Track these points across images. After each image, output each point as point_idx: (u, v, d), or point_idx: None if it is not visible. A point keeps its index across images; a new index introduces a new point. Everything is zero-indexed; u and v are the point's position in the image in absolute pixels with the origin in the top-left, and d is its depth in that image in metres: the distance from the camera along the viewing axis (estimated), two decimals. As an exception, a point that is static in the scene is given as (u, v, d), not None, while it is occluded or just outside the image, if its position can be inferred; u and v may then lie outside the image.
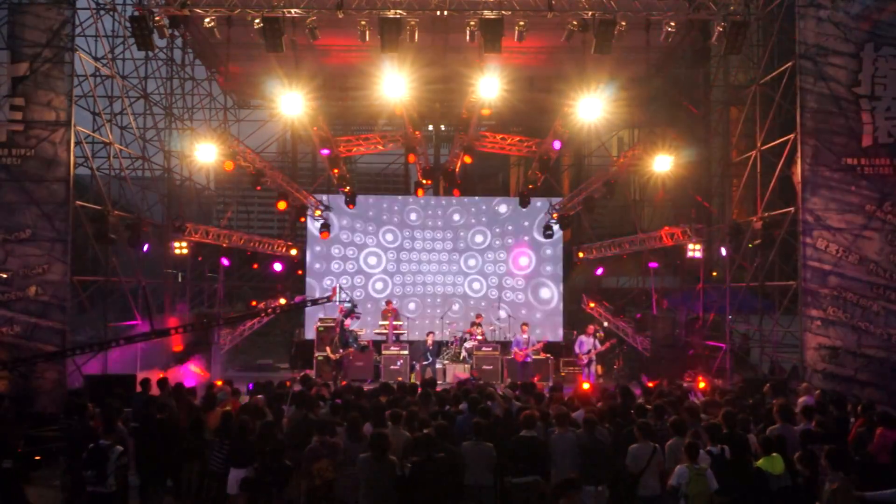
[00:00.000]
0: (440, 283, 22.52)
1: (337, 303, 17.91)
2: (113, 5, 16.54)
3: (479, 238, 22.61)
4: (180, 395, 10.79)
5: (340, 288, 19.94)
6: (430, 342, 18.58)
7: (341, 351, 17.62)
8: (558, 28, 15.50)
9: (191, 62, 20.71)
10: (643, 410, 9.47)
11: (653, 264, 20.03)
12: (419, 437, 7.68)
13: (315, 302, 17.71)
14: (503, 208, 22.84)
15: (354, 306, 18.34)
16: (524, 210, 21.88)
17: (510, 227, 22.58)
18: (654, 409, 9.19)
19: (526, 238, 22.54)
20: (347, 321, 18.24)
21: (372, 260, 22.53)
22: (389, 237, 22.59)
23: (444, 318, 21.08)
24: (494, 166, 30.15)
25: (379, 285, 22.46)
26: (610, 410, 9.52)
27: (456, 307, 22.26)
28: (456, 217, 22.71)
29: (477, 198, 23.63)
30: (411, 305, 22.28)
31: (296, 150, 25.97)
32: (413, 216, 22.70)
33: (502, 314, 21.39)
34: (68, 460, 9.05)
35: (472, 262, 22.56)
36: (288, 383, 11.80)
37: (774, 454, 7.60)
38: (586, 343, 17.30)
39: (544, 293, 22.37)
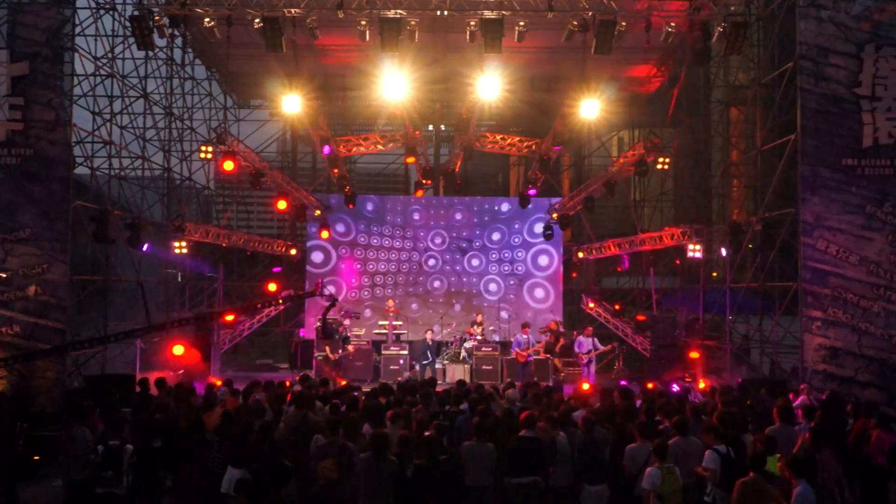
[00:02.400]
0: (441, 282, 22.51)
1: (318, 297, 17.88)
2: (113, 5, 16.54)
3: (479, 238, 22.60)
4: (179, 395, 10.77)
5: (323, 284, 19.89)
6: (429, 339, 18.59)
7: (340, 351, 17.63)
8: (558, 28, 15.49)
9: (191, 62, 20.71)
10: (651, 411, 9.48)
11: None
12: (423, 439, 7.66)
13: (300, 296, 17.70)
14: (503, 208, 22.83)
15: (336, 300, 18.37)
16: (524, 210, 21.87)
17: (509, 228, 22.57)
18: (660, 410, 9.22)
19: (526, 238, 22.53)
20: (346, 322, 18.24)
21: (371, 260, 22.53)
22: (389, 237, 22.57)
23: (443, 318, 21.08)
24: (494, 166, 30.19)
25: (378, 284, 22.45)
26: (609, 411, 9.52)
27: (457, 307, 22.27)
28: (456, 217, 22.69)
29: (477, 198, 23.63)
30: (413, 305, 22.28)
31: (295, 149, 25.97)
32: (413, 216, 22.69)
33: (504, 314, 21.42)
34: (67, 460, 9.03)
35: (473, 262, 22.56)
36: (288, 383, 11.80)
37: (778, 455, 7.56)
38: (585, 344, 17.34)
39: (544, 293, 22.36)
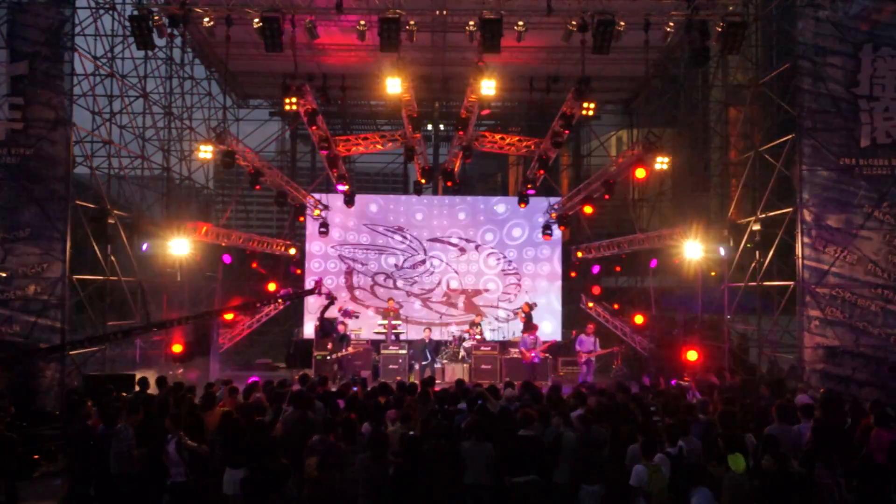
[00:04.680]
0: (440, 281, 22.53)
1: (318, 295, 17.93)
2: (112, 4, 16.52)
3: (478, 237, 22.64)
4: (179, 395, 10.79)
5: (322, 283, 19.93)
6: (426, 338, 18.63)
7: (342, 351, 17.70)
8: (557, 28, 15.51)
9: (190, 61, 20.70)
10: (648, 409, 9.51)
11: (653, 263, 20.07)
12: (404, 438, 7.68)
13: (299, 295, 17.67)
14: (502, 208, 22.87)
15: (334, 298, 18.39)
16: (523, 210, 21.90)
17: (509, 227, 22.60)
18: (662, 408, 9.25)
19: (525, 238, 22.56)
20: (346, 321, 18.28)
21: (371, 259, 22.55)
22: (387, 236, 22.59)
23: (442, 318, 21.12)
24: (493, 166, 30.21)
25: (377, 284, 22.48)
26: (607, 409, 9.55)
27: (456, 307, 22.30)
28: (455, 216, 22.72)
29: (476, 197, 23.67)
30: (412, 305, 22.31)
31: (295, 149, 26.00)
32: (412, 216, 22.72)
33: (502, 314, 21.46)
34: (67, 459, 9.08)
35: (472, 262, 22.58)
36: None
37: (737, 454, 7.50)
38: (586, 342, 17.40)
39: (542, 293, 22.38)
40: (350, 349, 18.12)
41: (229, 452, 8.43)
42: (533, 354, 17.56)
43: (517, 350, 18.28)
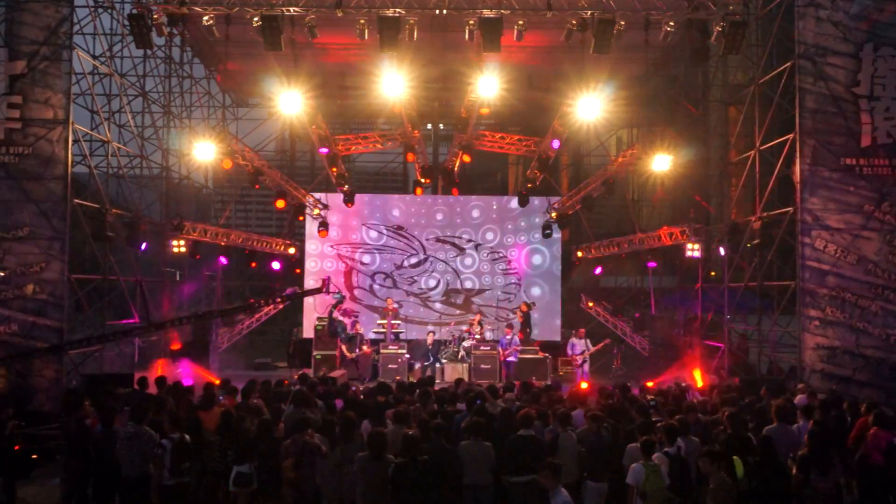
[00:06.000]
0: (440, 281, 22.49)
1: (325, 293, 17.95)
2: (111, 3, 16.50)
3: (477, 237, 22.60)
4: (178, 394, 10.77)
5: (330, 282, 19.90)
6: (430, 341, 18.63)
7: (357, 350, 17.80)
8: (557, 27, 15.49)
9: (189, 60, 20.69)
10: (646, 409, 9.49)
11: (651, 264, 20.07)
12: (404, 438, 7.67)
13: (306, 294, 17.61)
14: (501, 207, 22.82)
15: (343, 298, 18.38)
16: (523, 209, 21.87)
17: (508, 227, 22.56)
18: (662, 408, 9.24)
19: (524, 237, 22.53)
20: (336, 313, 18.32)
21: (371, 259, 22.52)
22: (387, 236, 22.56)
23: (441, 318, 21.09)
24: (493, 165, 30.16)
25: (377, 283, 22.45)
26: (607, 409, 9.53)
27: (455, 307, 22.26)
28: (454, 216, 22.68)
29: (475, 196, 23.62)
30: (411, 304, 22.28)
31: (294, 148, 25.96)
32: (411, 215, 22.68)
33: (502, 314, 21.44)
34: (65, 458, 9.05)
35: (471, 261, 22.55)
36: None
37: (735, 458, 7.47)
38: (578, 345, 17.48)
39: (543, 293, 22.36)
40: (366, 348, 18.23)
41: (235, 451, 8.42)
42: (507, 354, 17.63)
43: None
